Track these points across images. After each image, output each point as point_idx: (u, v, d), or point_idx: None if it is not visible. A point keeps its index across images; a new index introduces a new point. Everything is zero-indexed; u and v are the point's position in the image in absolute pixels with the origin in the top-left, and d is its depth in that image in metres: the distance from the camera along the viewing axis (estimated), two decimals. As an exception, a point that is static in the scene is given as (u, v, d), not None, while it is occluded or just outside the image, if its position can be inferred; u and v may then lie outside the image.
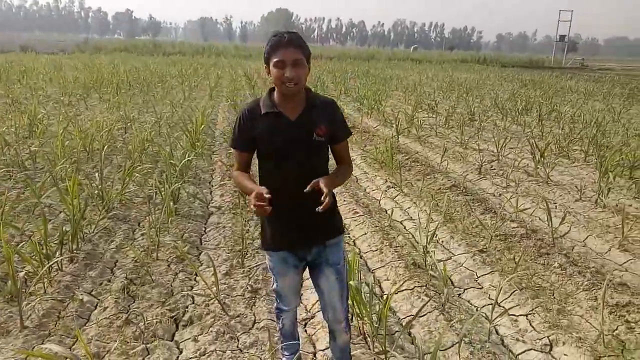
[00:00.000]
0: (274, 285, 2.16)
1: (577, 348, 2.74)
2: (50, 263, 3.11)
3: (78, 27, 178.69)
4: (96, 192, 4.54)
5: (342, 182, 2.15)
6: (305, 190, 1.79)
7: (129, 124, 8.49)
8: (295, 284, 2.16)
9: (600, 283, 3.32)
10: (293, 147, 1.91)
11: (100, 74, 16.54)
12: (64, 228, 3.52)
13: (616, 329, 2.93)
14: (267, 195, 1.74)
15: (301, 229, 1.99)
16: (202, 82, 17.19)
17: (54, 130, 7.52)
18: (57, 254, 3.39)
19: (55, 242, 3.60)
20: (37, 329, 2.72)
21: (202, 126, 7.50)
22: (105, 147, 5.76)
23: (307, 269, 2.17)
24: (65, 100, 11.09)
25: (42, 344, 2.58)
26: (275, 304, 2.27)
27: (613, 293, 3.25)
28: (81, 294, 3.10)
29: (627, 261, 3.93)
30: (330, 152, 2.07)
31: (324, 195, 1.77)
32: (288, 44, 1.83)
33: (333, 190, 2.04)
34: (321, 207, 1.76)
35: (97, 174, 4.77)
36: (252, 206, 1.76)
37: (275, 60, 1.83)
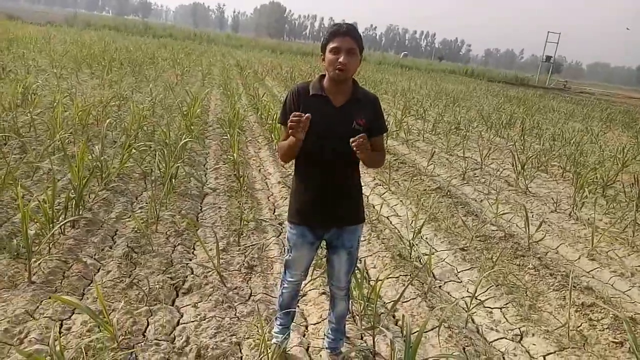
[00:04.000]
0: (287, 256, 2.34)
1: (545, 339, 3.01)
2: (60, 223, 3.24)
3: (66, 1, 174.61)
4: (95, 164, 4.64)
5: (377, 162, 2.25)
6: (351, 140, 1.94)
7: (122, 102, 8.53)
8: (307, 260, 2.33)
9: (569, 285, 3.60)
10: (332, 132, 2.07)
11: (92, 50, 16.40)
12: (69, 193, 3.64)
13: (580, 326, 3.21)
14: (306, 116, 1.91)
15: (325, 210, 2.16)
16: (194, 67, 17.19)
17: (48, 101, 7.53)
18: (61, 218, 3.50)
19: (58, 207, 3.71)
20: (44, 285, 2.85)
21: (198, 110, 7.61)
22: (106, 121, 5.82)
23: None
24: (57, 73, 11.02)
25: (50, 298, 2.71)
26: (281, 275, 2.45)
27: (580, 294, 3.54)
28: (85, 257, 3.23)
29: (594, 269, 4.24)
30: None
31: (362, 139, 1.94)
32: (345, 33, 2.02)
33: (359, 181, 2.24)
34: (354, 141, 1.93)
35: (97, 147, 4.86)
36: (290, 126, 1.94)
37: (332, 46, 2.01)
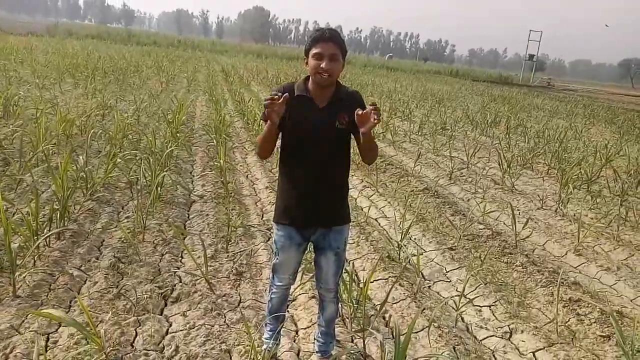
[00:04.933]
0: (274, 259, 2.34)
1: (534, 336, 3.04)
2: (45, 235, 3.20)
3: (47, 10, 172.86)
4: (80, 174, 4.59)
5: (374, 149, 2.20)
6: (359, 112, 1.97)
7: (106, 111, 8.46)
8: (295, 262, 2.33)
9: (556, 281, 3.64)
10: (316, 132, 2.10)
11: (75, 60, 16.25)
12: (53, 205, 3.60)
13: (568, 321, 3.24)
14: (282, 96, 1.94)
15: (311, 210, 2.18)
16: (179, 74, 17.11)
17: (31, 112, 7.44)
18: (46, 230, 3.46)
19: (42, 219, 3.67)
20: (29, 299, 2.81)
21: (184, 117, 7.57)
22: (90, 131, 5.77)
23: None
24: (40, 84, 10.89)
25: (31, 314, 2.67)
26: (270, 280, 2.44)
27: (567, 290, 3.58)
28: (70, 269, 3.19)
29: (581, 264, 4.29)
30: (355, 142, 2.21)
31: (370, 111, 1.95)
32: (328, 39, 2.03)
33: (345, 182, 2.25)
34: (361, 111, 1.96)
35: (81, 157, 4.81)
36: (266, 105, 1.96)
37: (314, 51, 2.03)
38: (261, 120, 2.26)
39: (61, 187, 3.73)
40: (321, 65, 2.01)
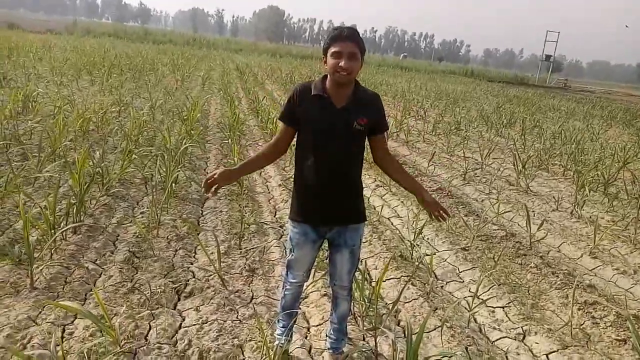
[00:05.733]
0: (289, 256, 2.34)
1: (548, 338, 3.00)
2: (62, 229, 3.25)
3: (65, 9, 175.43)
4: (97, 170, 4.66)
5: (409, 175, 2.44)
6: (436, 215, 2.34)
7: (122, 108, 8.56)
8: (309, 259, 2.33)
9: (572, 283, 3.60)
10: (333, 132, 2.09)
11: (92, 57, 16.46)
12: (70, 199, 3.65)
13: (583, 324, 3.20)
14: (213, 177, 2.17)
15: (327, 208, 2.18)
16: (194, 72, 17.23)
17: (49, 108, 7.56)
18: (63, 224, 3.52)
19: (59, 213, 3.73)
20: (46, 291, 2.86)
21: (198, 115, 7.63)
22: (107, 128, 5.85)
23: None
24: (57, 81, 11.06)
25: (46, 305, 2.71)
26: (283, 275, 2.45)
27: (582, 292, 3.53)
28: (86, 263, 3.24)
29: (597, 267, 4.23)
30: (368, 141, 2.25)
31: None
32: (347, 37, 2.02)
33: (360, 180, 2.27)
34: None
35: (97, 153, 4.88)
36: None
37: (333, 50, 2.02)
38: (278, 120, 2.28)
39: (78, 182, 3.79)
40: (340, 64, 2.01)
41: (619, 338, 3.02)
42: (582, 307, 3.35)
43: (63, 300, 2.77)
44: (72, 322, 2.63)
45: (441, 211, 2.30)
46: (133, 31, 47.89)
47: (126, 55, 19.95)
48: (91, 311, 2.55)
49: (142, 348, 2.48)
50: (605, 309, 3.29)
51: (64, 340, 2.46)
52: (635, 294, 3.79)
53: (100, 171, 4.59)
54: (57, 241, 3.38)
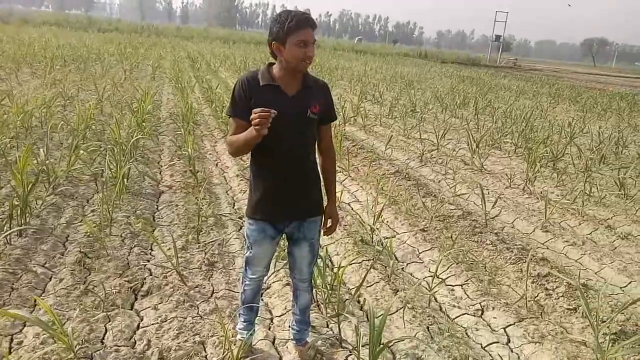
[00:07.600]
0: (247, 253, 2.29)
1: (504, 312, 3.11)
2: (5, 233, 3.06)
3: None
4: (41, 168, 4.42)
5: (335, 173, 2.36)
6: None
7: (67, 101, 8.16)
8: (268, 255, 2.29)
9: (525, 258, 3.73)
10: (288, 121, 2.00)
11: (32, 48, 15.57)
12: (13, 201, 3.45)
13: (537, 296, 3.33)
14: (273, 112, 1.83)
15: (285, 203, 2.12)
16: (143, 61, 16.63)
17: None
18: (6, 227, 3.32)
19: (1, 216, 3.52)
20: (-10, 300, 2.69)
21: (149, 106, 7.37)
22: (50, 123, 5.55)
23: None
24: (-5, 74, 10.40)
25: (-2, 313, 2.56)
26: (242, 272, 2.40)
27: (536, 266, 3.66)
28: (34, 267, 3.08)
29: (548, 240, 4.41)
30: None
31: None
32: (312, 25, 1.96)
33: (317, 171, 2.23)
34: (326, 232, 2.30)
35: (41, 150, 4.63)
36: (255, 120, 1.83)
37: (299, 39, 1.92)
38: (228, 117, 2.15)
39: (21, 182, 3.58)
40: (307, 54, 1.95)
41: (570, 307, 3.16)
42: (535, 280, 3.48)
43: (10, 308, 2.62)
44: (21, 330, 2.49)
45: (332, 227, 2.30)
46: (76, 20, 45.57)
47: (69, 45, 18.99)
48: (41, 318, 2.43)
49: (98, 352, 2.38)
50: (557, 280, 3.43)
51: (12, 350, 2.33)
52: (584, 263, 3.97)
53: (46, 169, 4.36)
54: (0, 246, 3.19)
